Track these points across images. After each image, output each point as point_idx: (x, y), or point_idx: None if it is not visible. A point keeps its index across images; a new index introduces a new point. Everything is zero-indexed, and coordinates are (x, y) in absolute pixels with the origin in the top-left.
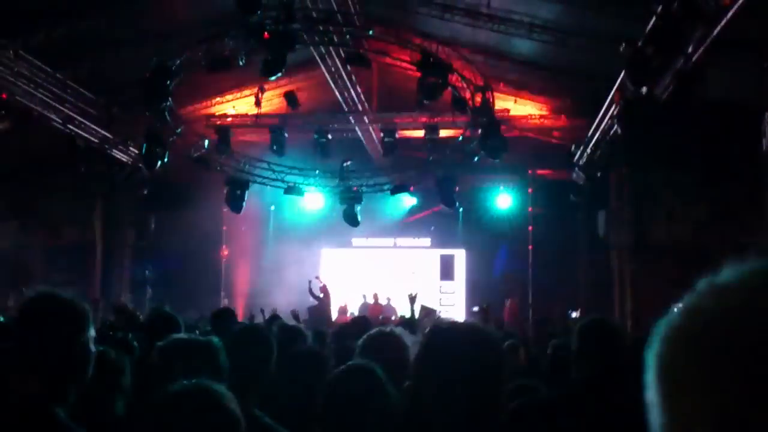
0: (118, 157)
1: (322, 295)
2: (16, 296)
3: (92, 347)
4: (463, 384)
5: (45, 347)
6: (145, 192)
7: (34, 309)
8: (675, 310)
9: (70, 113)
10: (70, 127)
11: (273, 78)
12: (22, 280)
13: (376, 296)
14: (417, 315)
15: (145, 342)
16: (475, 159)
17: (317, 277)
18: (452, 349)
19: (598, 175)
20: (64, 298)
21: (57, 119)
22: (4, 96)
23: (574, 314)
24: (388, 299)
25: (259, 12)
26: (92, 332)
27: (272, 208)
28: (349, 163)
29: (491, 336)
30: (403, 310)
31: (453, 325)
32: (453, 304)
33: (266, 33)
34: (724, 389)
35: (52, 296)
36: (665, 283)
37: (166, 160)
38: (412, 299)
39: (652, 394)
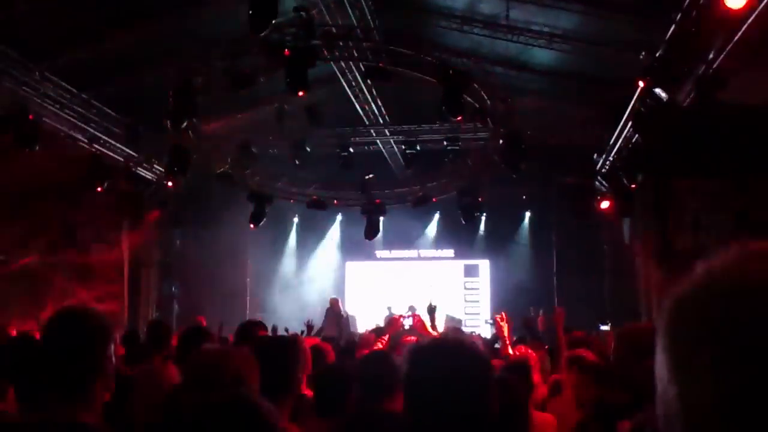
0: (144, 175)
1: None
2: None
3: (112, 361)
4: (450, 401)
5: (70, 361)
6: (170, 209)
7: (59, 324)
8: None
9: (96, 132)
10: (96, 146)
11: (300, 95)
12: (50, 298)
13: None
14: (441, 326)
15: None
16: (497, 170)
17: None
18: (435, 368)
19: (622, 182)
20: (88, 313)
21: (83, 139)
22: (30, 117)
23: (604, 327)
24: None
25: (279, 30)
26: (112, 347)
27: (296, 222)
28: (371, 176)
29: (474, 352)
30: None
31: (435, 343)
32: (478, 313)
33: (287, 50)
34: (719, 349)
35: (77, 311)
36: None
37: (188, 176)
38: (432, 310)
39: (660, 357)
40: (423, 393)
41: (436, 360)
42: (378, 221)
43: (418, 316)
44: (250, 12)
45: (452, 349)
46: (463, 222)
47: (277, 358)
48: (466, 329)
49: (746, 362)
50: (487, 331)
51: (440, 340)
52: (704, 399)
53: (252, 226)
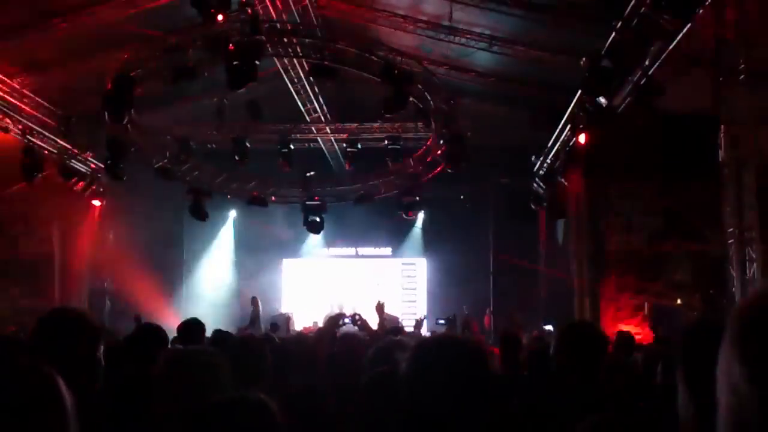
0: (78, 167)
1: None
2: None
3: (102, 362)
4: (453, 397)
5: (62, 362)
6: (104, 203)
7: (50, 325)
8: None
9: (29, 123)
10: (29, 137)
11: (241, 90)
12: None
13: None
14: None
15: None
16: (437, 170)
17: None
18: (441, 364)
19: (558, 183)
20: (78, 314)
21: (15, 129)
22: None
23: (548, 327)
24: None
25: (223, 23)
26: (102, 348)
27: (234, 217)
28: (312, 173)
29: (478, 348)
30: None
31: (439, 339)
32: (415, 314)
33: (231, 45)
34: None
35: (68, 312)
36: (623, 291)
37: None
38: (380, 308)
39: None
40: (425, 388)
41: (438, 355)
42: (320, 219)
43: (359, 315)
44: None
45: (454, 345)
46: (405, 217)
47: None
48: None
49: None
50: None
51: (441, 336)
52: None
53: (195, 218)
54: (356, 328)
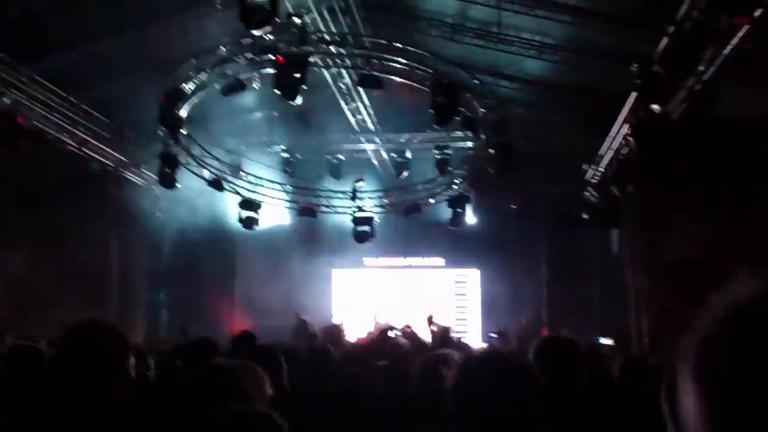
0: (133, 179)
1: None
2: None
3: (132, 373)
4: (501, 414)
5: (91, 375)
6: (159, 214)
7: (78, 337)
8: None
9: (85, 136)
10: (85, 150)
11: (293, 102)
12: (36, 306)
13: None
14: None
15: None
16: (487, 179)
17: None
18: (489, 379)
19: (611, 193)
20: (107, 327)
21: (71, 143)
22: (19, 120)
23: (604, 340)
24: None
25: (271, 36)
26: (132, 360)
27: (285, 227)
28: (361, 183)
29: (526, 364)
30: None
31: (486, 354)
32: (467, 326)
33: (279, 56)
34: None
35: (95, 324)
36: (680, 301)
37: (179, 182)
38: (430, 320)
39: (688, 400)
40: (473, 404)
41: (487, 372)
42: (369, 229)
43: (410, 327)
44: (246, 9)
45: (503, 362)
46: (451, 227)
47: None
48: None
49: None
50: (476, 341)
51: (490, 352)
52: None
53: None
54: (405, 339)
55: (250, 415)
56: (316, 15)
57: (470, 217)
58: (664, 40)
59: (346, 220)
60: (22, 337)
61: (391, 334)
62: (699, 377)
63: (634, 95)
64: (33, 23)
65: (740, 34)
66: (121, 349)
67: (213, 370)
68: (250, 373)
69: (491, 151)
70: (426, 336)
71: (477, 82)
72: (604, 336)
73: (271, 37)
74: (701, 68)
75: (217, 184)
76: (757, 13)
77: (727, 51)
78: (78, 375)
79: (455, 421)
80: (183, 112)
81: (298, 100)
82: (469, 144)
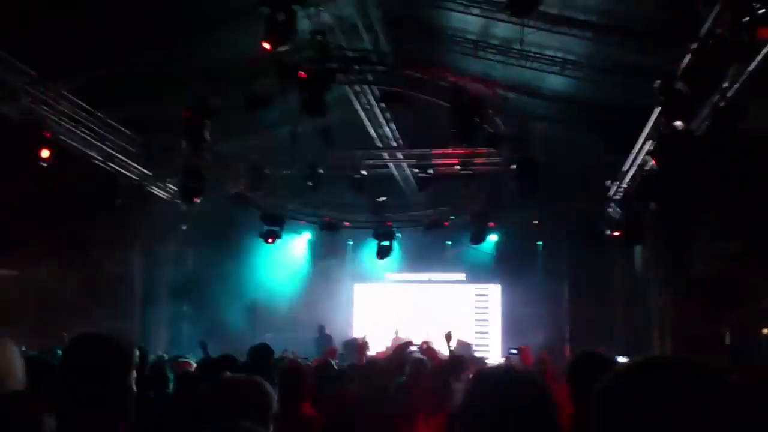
0: (157, 193)
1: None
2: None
3: (134, 386)
4: (509, 428)
5: (93, 388)
6: (184, 228)
7: (82, 350)
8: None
9: (111, 151)
10: (111, 164)
11: (318, 118)
12: (61, 317)
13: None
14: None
15: None
16: (509, 195)
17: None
18: (499, 395)
19: (634, 209)
20: (110, 339)
21: (98, 157)
22: (47, 134)
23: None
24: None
25: (295, 52)
26: (134, 373)
27: (308, 243)
28: (383, 198)
29: (537, 380)
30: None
31: (497, 370)
32: (488, 342)
33: (303, 72)
34: None
35: (99, 337)
36: (704, 319)
37: (203, 196)
38: (449, 337)
39: None
40: (483, 419)
41: (497, 387)
42: (390, 244)
43: (428, 343)
44: (268, 27)
45: (514, 376)
46: (472, 244)
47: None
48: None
49: None
50: (496, 357)
51: (502, 367)
52: None
53: (267, 243)
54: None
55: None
56: (338, 32)
57: (492, 234)
58: (688, 57)
59: (369, 236)
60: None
61: (410, 349)
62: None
63: (657, 111)
64: (61, 40)
65: (765, 50)
66: (122, 361)
67: (218, 385)
68: (255, 389)
69: (514, 167)
70: (445, 352)
71: (500, 98)
72: (626, 355)
73: (296, 54)
74: (725, 85)
75: (240, 198)
76: None
77: (751, 67)
78: (78, 387)
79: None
80: (207, 127)
81: (323, 116)
82: (493, 160)
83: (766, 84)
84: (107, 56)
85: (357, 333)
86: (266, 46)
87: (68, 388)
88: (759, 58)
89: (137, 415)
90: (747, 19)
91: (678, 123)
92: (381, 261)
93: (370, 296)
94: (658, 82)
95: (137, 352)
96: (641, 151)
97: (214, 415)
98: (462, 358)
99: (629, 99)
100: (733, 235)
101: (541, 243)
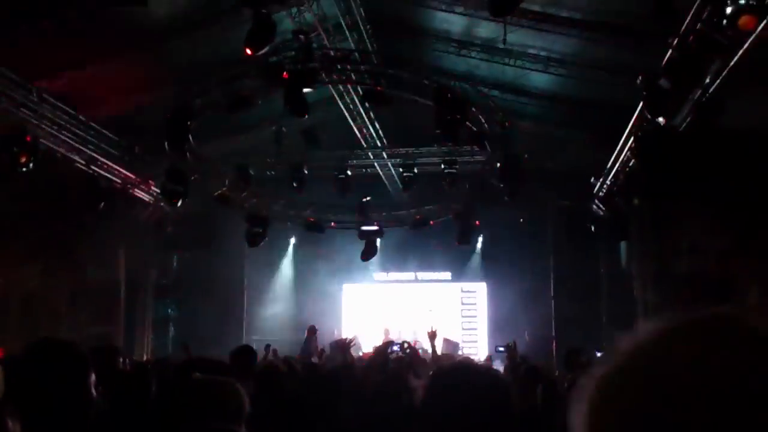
0: (141, 196)
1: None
2: None
3: (93, 391)
4: (469, 425)
5: (51, 393)
6: (168, 230)
7: (37, 356)
8: (599, 365)
9: (93, 154)
10: (93, 167)
11: (303, 118)
12: (45, 321)
13: (386, 331)
14: (439, 350)
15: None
16: (494, 193)
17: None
18: (458, 392)
19: (619, 205)
20: (66, 344)
21: (80, 160)
22: (28, 138)
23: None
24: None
25: (277, 52)
26: (93, 377)
27: (293, 243)
28: (368, 198)
29: (497, 376)
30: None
31: (456, 367)
32: (475, 340)
33: (285, 72)
34: None
35: (55, 343)
36: (689, 314)
37: (187, 198)
38: (433, 335)
39: None
40: (443, 416)
41: (457, 384)
42: (375, 243)
43: (409, 343)
44: (250, 31)
45: (473, 373)
46: (458, 244)
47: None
48: (462, 352)
49: None
50: (483, 355)
51: (461, 364)
52: None
53: (251, 246)
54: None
55: None
56: (321, 31)
57: (478, 232)
58: (669, 52)
59: (355, 236)
60: None
61: (391, 349)
62: (590, 421)
63: (639, 107)
64: (43, 42)
65: (746, 45)
66: (79, 367)
67: (190, 386)
68: (228, 389)
69: (498, 164)
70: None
71: (483, 96)
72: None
73: (278, 55)
74: (707, 80)
75: (224, 199)
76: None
77: (733, 62)
78: (35, 393)
79: (422, 428)
80: (190, 128)
81: (304, 116)
82: (477, 158)
83: (747, 79)
84: (89, 59)
85: (345, 333)
86: (248, 52)
87: (27, 393)
88: (740, 52)
89: (115, 418)
90: (730, 10)
91: (660, 119)
92: (369, 261)
93: (358, 296)
94: (640, 78)
95: (121, 358)
96: (624, 147)
97: (184, 416)
98: (418, 357)
99: (614, 96)
100: (718, 231)
101: (526, 240)
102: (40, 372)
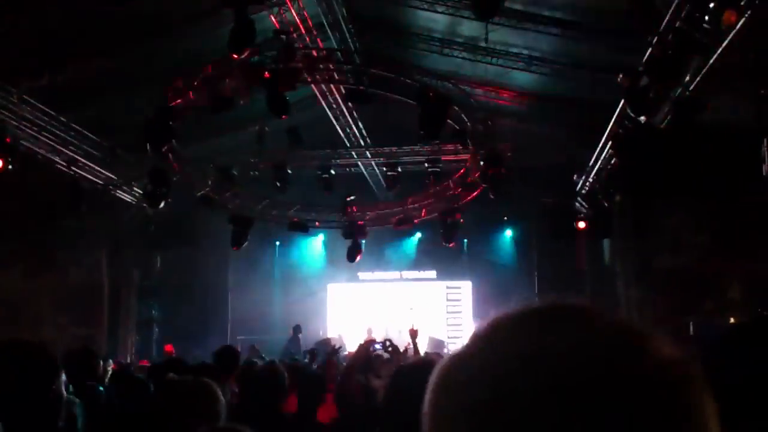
0: (123, 197)
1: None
2: None
3: (63, 392)
4: None
5: (18, 395)
6: (151, 231)
7: (4, 358)
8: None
9: (74, 155)
10: (74, 169)
11: (283, 118)
12: (28, 324)
13: (369, 330)
14: (423, 349)
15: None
16: (478, 191)
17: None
18: (418, 391)
19: (601, 203)
20: (34, 345)
21: (61, 162)
22: (8, 140)
23: None
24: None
25: (259, 53)
26: (63, 377)
27: (277, 243)
28: (352, 197)
29: None
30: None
31: (417, 365)
32: (461, 338)
33: (266, 72)
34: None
35: (22, 344)
36: (672, 311)
37: (169, 199)
38: (414, 334)
39: None
40: (403, 413)
41: (417, 381)
42: (360, 243)
43: (390, 341)
44: (231, 33)
45: (431, 369)
46: (444, 243)
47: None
48: (448, 350)
49: None
50: None
51: (422, 361)
52: None
53: (234, 248)
54: (387, 354)
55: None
56: (302, 30)
57: (462, 230)
58: (649, 51)
59: (339, 236)
60: None
61: (373, 348)
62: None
63: (620, 106)
64: (22, 43)
65: (723, 44)
66: (47, 367)
67: (166, 386)
68: (202, 390)
69: (481, 163)
70: (415, 349)
71: (465, 94)
72: None
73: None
74: (686, 78)
75: (207, 200)
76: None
77: (712, 60)
78: (3, 393)
79: (386, 428)
80: (171, 130)
81: (286, 116)
82: (460, 157)
83: (727, 76)
84: (69, 59)
85: (331, 333)
86: (234, 57)
87: None
88: (719, 50)
89: (91, 420)
90: (712, 4)
91: (641, 117)
92: (354, 261)
93: (343, 296)
94: (621, 76)
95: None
96: (606, 144)
97: (159, 418)
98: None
99: (596, 94)
100: (700, 228)
101: (510, 238)
102: (6, 372)
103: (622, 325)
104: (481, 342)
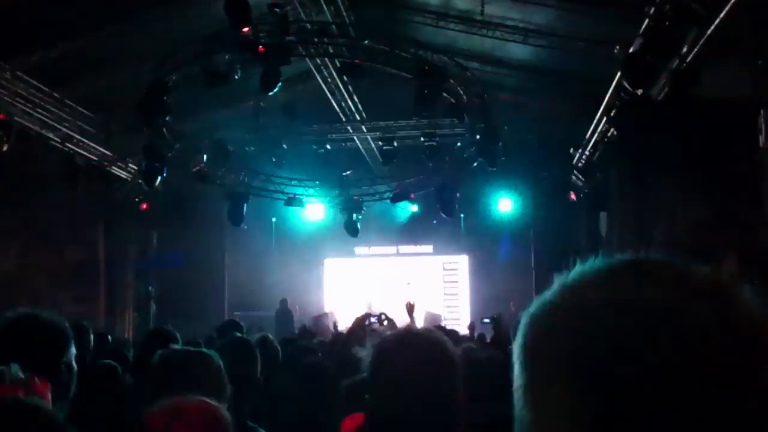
0: (118, 174)
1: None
2: None
3: (74, 365)
4: (415, 396)
5: (30, 367)
6: (147, 208)
7: (16, 331)
8: (536, 303)
9: (69, 132)
10: (69, 145)
11: (271, 93)
12: (25, 303)
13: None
14: (420, 323)
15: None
16: (474, 165)
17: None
18: (402, 361)
19: (598, 176)
20: (45, 318)
21: (55, 138)
22: (2, 117)
23: None
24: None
25: (251, 26)
26: (73, 350)
27: (274, 219)
28: (348, 172)
29: (442, 342)
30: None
31: (401, 336)
32: (458, 311)
33: (261, 47)
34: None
35: (33, 317)
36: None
37: (165, 175)
38: (411, 308)
39: (516, 378)
40: (388, 384)
41: (401, 352)
42: (356, 218)
43: (386, 314)
44: (227, 8)
45: (418, 341)
46: (444, 216)
47: (236, 359)
48: (445, 323)
49: (601, 394)
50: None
51: (407, 332)
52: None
53: (232, 224)
54: (383, 327)
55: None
56: (297, 4)
57: (459, 204)
58: (646, 22)
59: (337, 211)
60: None
61: (368, 321)
62: (522, 355)
63: (617, 78)
64: (15, 18)
65: (721, 15)
66: (57, 339)
67: (163, 358)
68: (202, 362)
69: (477, 137)
70: (411, 322)
71: (461, 68)
72: None
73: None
74: (683, 50)
75: (203, 175)
76: None
77: (710, 31)
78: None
79: (371, 400)
80: (166, 105)
81: (276, 91)
82: (456, 131)
83: (724, 48)
84: (62, 34)
85: (327, 308)
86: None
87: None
88: (717, 21)
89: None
90: None
91: (638, 89)
92: (349, 234)
93: (339, 271)
94: (618, 48)
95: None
96: (603, 117)
97: (159, 389)
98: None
99: (593, 66)
100: (696, 201)
101: (507, 212)
102: (17, 345)
103: (717, 280)
104: (575, 294)
